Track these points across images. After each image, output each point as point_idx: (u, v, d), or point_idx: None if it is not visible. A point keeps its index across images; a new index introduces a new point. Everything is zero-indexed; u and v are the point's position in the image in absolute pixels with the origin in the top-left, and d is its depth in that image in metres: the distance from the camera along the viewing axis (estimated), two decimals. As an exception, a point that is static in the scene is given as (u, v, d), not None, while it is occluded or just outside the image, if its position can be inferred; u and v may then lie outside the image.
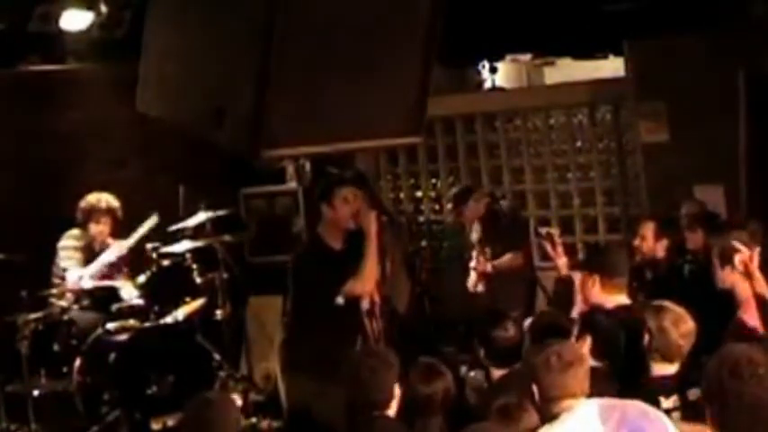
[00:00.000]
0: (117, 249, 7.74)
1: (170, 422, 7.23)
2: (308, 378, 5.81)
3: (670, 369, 4.68)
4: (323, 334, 5.84)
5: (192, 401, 4.57)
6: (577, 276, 5.61)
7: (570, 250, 6.94)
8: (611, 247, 6.52)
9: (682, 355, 4.71)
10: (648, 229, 6.95)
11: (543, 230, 6.75)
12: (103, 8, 7.17)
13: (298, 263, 6.03)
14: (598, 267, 5.32)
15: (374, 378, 4.48)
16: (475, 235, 8.52)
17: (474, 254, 8.47)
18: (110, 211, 7.70)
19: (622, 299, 5.28)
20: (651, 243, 6.89)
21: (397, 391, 4.53)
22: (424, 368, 4.81)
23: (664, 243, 6.88)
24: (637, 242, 6.97)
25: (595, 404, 4.02)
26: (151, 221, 7.75)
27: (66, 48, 7.69)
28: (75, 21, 7.18)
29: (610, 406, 4.01)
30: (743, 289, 5.36)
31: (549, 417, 4.02)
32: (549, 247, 6.21)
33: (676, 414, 4.48)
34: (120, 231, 7.87)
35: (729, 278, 5.41)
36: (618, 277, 5.30)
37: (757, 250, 5.43)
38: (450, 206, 8.64)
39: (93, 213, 7.66)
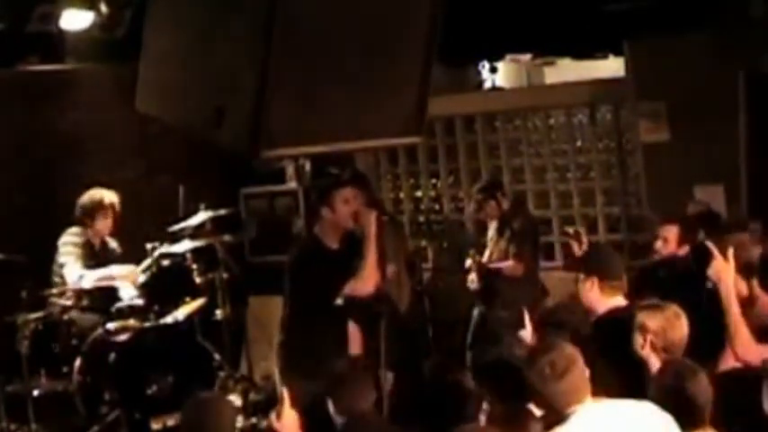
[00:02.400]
0: (128, 273, 7.72)
1: (170, 422, 7.23)
2: (307, 379, 5.80)
3: None
4: (321, 335, 5.84)
5: (188, 403, 4.60)
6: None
7: (570, 251, 6.91)
8: (607, 250, 6.47)
9: (681, 354, 4.72)
10: (671, 232, 6.77)
11: (570, 230, 6.68)
12: (103, 8, 7.17)
13: (295, 263, 6.02)
14: (595, 270, 5.32)
15: (358, 388, 4.68)
16: (491, 232, 8.52)
17: (486, 251, 8.47)
18: (113, 206, 7.72)
19: (619, 300, 5.28)
20: (673, 246, 6.74)
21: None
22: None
23: (685, 249, 6.70)
24: (658, 244, 6.85)
25: (605, 407, 4.06)
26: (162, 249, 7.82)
27: (65, 48, 7.69)
28: (75, 21, 7.18)
29: (616, 407, 4.05)
30: (741, 288, 5.36)
31: (555, 424, 4.03)
32: (575, 247, 6.17)
33: None
34: (118, 231, 7.88)
35: None
36: (615, 280, 5.30)
37: (758, 250, 5.44)
38: (477, 198, 8.59)
39: (99, 209, 7.67)
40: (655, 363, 4.67)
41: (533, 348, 4.40)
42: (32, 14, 7.01)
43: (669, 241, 6.76)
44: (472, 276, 8.41)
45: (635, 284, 5.98)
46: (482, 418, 4.51)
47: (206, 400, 4.72)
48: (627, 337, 4.82)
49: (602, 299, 5.25)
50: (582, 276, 5.32)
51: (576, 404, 4.02)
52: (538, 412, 4.29)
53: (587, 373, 4.10)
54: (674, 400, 4.06)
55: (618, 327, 4.95)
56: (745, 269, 5.41)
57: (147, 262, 7.75)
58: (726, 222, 7.40)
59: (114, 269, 7.68)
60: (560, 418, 4.03)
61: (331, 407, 4.68)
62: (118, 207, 7.75)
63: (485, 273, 8.32)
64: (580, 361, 4.10)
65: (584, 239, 6.24)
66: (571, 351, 4.14)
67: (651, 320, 4.72)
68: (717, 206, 8.28)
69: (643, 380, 4.68)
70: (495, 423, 4.37)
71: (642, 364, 4.74)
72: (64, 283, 7.57)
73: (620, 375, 4.75)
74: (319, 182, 6.27)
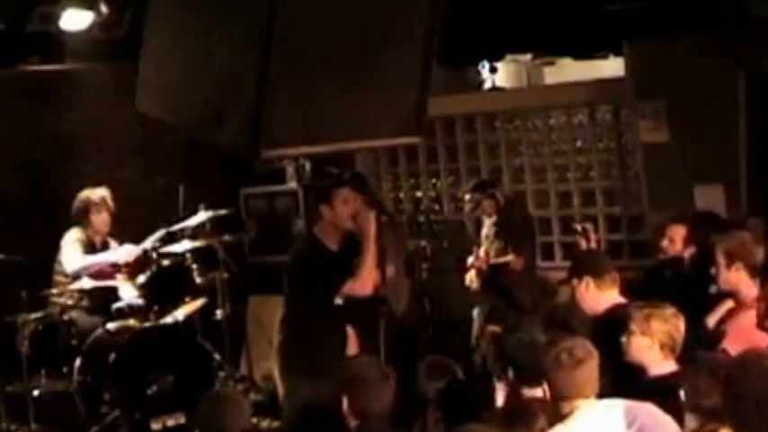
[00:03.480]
0: (125, 253, 7.72)
1: (170, 422, 7.23)
2: (307, 379, 5.80)
3: (669, 368, 4.70)
4: (320, 335, 5.84)
5: (205, 398, 4.60)
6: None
7: (574, 250, 6.90)
8: (593, 251, 6.49)
9: (678, 352, 4.73)
10: (678, 233, 6.72)
11: (578, 226, 6.66)
12: (103, 8, 7.16)
13: (295, 264, 6.02)
14: (586, 270, 5.35)
15: (375, 389, 4.60)
16: (486, 230, 8.52)
17: (482, 249, 8.47)
18: (104, 201, 7.71)
19: (615, 294, 5.30)
20: (679, 247, 6.70)
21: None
22: (432, 365, 4.86)
23: (691, 250, 6.66)
24: (664, 243, 6.82)
25: (606, 405, 4.08)
26: (159, 233, 7.79)
27: (65, 48, 7.68)
28: (75, 21, 7.17)
29: (621, 408, 4.06)
30: (748, 288, 5.35)
31: (560, 416, 4.06)
32: (583, 242, 6.14)
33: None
34: (119, 231, 7.88)
35: (735, 277, 5.39)
36: (606, 273, 5.34)
37: (761, 251, 5.43)
38: (468, 197, 8.62)
39: (90, 206, 7.66)
40: (660, 363, 4.67)
41: (554, 338, 4.43)
42: (32, 14, 7.01)
43: (675, 241, 6.73)
44: (471, 275, 8.41)
45: (641, 285, 5.97)
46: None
47: (221, 396, 4.73)
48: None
49: (600, 295, 5.29)
50: (575, 281, 5.36)
51: (583, 398, 4.05)
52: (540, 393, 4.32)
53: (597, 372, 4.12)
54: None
55: (619, 325, 4.94)
56: (750, 268, 5.40)
57: (149, 243, 7.74)
58: (727, 222, 7.38)
59: (110, 254, 7.67)
60: (562, 413, 4.04)
61: (345, 405, 4.64)
62: (110, 201, 7.73)
63: (486, 270, 8.33)
64: (596, 357, 4.13)
65: (593, 236, 6.22)
66: (589, 345, 4.18)
67: (657, 322, 4.72)
68: (717, 206, 8.28)
69: (643, 378, 4.69)
70: (499, 419, 4.38)
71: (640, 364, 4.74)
72: (64, 283, 7.57)
73: (621, 374, 4.75)
74: (319, 182, 6.27)
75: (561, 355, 4.07)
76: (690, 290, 5.72)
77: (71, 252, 7.55)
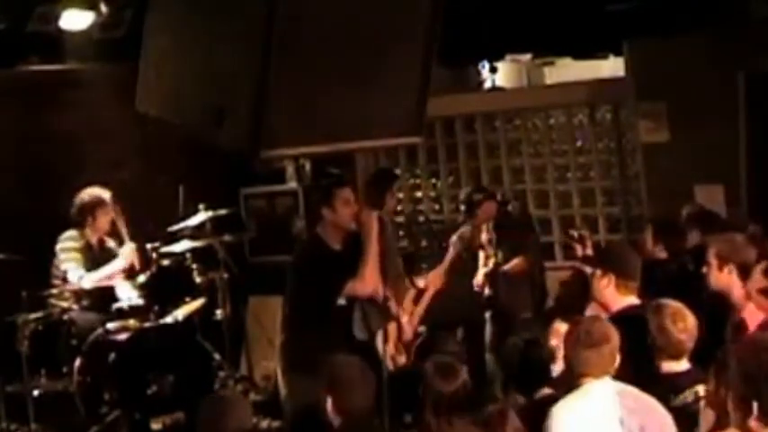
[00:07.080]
0: (125, 258, 7.71)
1: (170, 422, 7.24)
2: (309, 379, 5.79)
3: (679, 366, 4.69)
4: (323, 335, 5.84)
5: (205, 401, 4.62)
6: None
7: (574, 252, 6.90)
8: (627, 249, 6.42)
9: (687, 352, 4.71)
10: (647, 232, 6.89)
11: (574, 232, 6.68)
12: (103, 8, 7.15)
13: (297, 263, 6.03)
14: (614, 268, 5.26)
15: (359, 388, 4.68)
16: (484, 236, 8.50)
17: (481, 255, 8.46)
18: (112, 201, 7.71)
19: (632, 299, 5.24)
20: (650, 245, 6.82)
21: None
22: (441, 367, 4.88)
23: (660, 247, 6.76)
24: (640, 243, 6.91)
25: (614, 386, 4.28)
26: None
27: (66, 48, 7.68)
28: (75, 21, 7.17)
29: (627, 392, 4.27)
30: (739, 290, 5.33)
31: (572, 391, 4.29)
32: (579, 249, 6.13)
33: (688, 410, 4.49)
34: (116, 230, 7.88)
35: (726, 279, 5.37)
36: (632, 280, 5.24)
37: (754, 251, 5.42)
38: (462, 207, 8.62)
39: (99, 204, 7.66)
40: (672, 362, 4.68)
41: (580, 318, 4.71)
42: (32, 14, 7.00)
43: (646, 241, 6.83)
44: (478, 280, 8.39)
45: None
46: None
47: (221, 398, 4.73)
48: (639, 334, 4.79)
49: (617, 297, 5.18)
50: (599, 272, 5.25)
51: (593, 378, 4.28)
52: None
53: (618, 355, 4.33)
54: None
55: (631, 324, 4.91)
56: (741, 270, 5.39)
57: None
58: (724, 223, 7.38)
59: (114, 264, 7.68)
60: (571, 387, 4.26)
61: (329, 404, 4.67)
62: (113, 203, 7.74)
63: (496, 277, 8.31)
64: (615, 342, 4.36)
65: (589, 243, 6.21)
66: (610, 330, 4.40)
67: (651, 320, 4.72)
68: (717, 206, 8.28)
69: (653, 377, 4.69)
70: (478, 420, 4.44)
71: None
72: (63, 284, 7.57)
73: (632, 372, 4.75)
74: (320, 182, 6.29)
75: (579, 335, 4.35)
76: (677, 291, 5.70)
77: (72, 267, 7.53)
